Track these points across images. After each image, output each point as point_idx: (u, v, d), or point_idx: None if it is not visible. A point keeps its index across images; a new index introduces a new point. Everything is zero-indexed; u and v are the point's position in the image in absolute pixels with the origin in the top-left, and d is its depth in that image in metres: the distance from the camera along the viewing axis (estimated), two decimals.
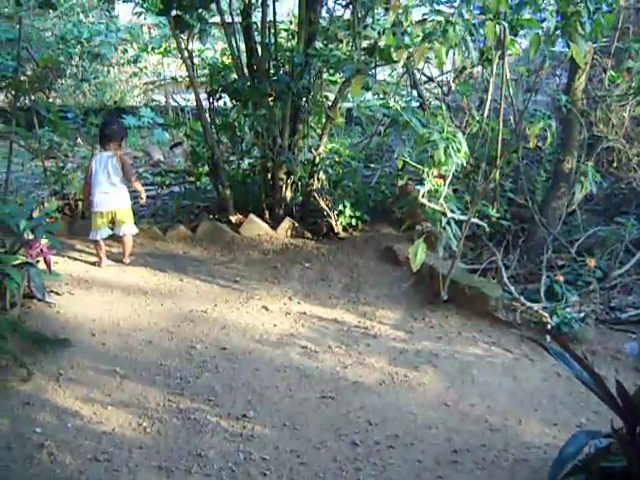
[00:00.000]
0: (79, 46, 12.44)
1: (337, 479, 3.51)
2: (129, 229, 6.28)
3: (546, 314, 5.00)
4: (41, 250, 5.12)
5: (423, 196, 4.97)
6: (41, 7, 6.54)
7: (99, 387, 4.33)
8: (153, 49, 10.25)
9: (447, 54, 4.81)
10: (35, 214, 5.27)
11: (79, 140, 8.46)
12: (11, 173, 6.96)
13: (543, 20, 5.09)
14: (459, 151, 4.75)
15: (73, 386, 4.36)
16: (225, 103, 7.36)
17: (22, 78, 7.44)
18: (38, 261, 5.10)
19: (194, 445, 3.76)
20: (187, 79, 7.60)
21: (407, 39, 5.40)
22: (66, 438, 3.84)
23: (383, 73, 7.44)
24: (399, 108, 5.68)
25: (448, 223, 5.18)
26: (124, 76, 13.30)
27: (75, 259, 6.29)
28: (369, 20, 6.23)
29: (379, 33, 5.92)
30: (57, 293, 5.53)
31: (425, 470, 3.58)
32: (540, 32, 4.94)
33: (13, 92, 7.28)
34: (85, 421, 4.00)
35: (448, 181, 4.99)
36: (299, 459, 3.66)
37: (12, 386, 4.34)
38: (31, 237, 5.06)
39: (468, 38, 4.85)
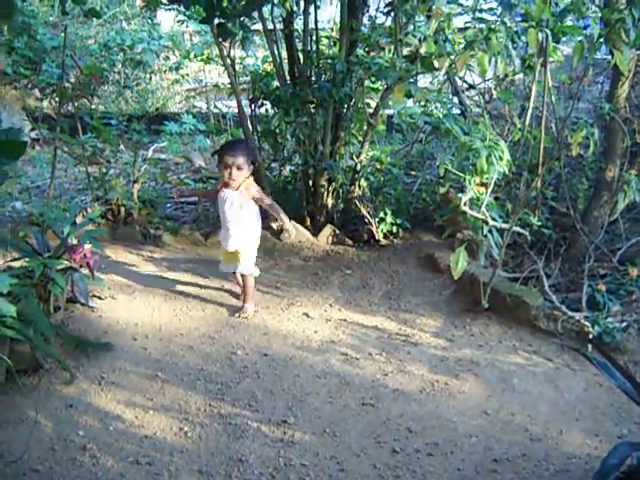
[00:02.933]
0: (122, 53, 12.57)
1: None
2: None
3: (588, 323, 4.96)
4: (84, 255, 5.17)
5: (465, 204, 4.96)
6: (86, 16, 6.59)
7: (141, 391, 4.38)
8: (195, 56, 10.29)
9: (489, 62, 4.81)
10: (78, 220, 5.31)
11: (122, 146, 8.52)
12: (55, 179, 7.03)
13: (586, 27, 5.07)
14: (501, 159, 4.73)
15: (115, 390, 4.41)
16: (267, 110, 7.39)
17: (66, 85, 7.51)
18: (81, 266, 5.15)
19: (234, 450, 3.79)
20: (229, 86, 7.66)
21: (449, 47, 5.40)
22: (108, 441, 3.89)
23: (424, 80, 7.44)
24: (441, 115, 5.68)
25: (490, 231, 5.16)
26: (165, 83, 13.38)
27: (117, 264, 6.33)
28: (410, 28, 6.23)
29: (420, 41, 5.92)
30: (100, 298, 5.58)
31: (464, 479, 3.58)
32: (583, 39, 4.92)
33: (58, 99, 7.35)
34: (127, 424, 4.05)
35: (490, 189, 4.98)
36: (339, 466, 3.67)
37: (55, 389, 4.40)
38: (75, 242, 5.11)
39: (510, 46, 4.85)
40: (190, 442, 3.88)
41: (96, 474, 3.62)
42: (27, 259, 4.84)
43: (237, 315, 5.43)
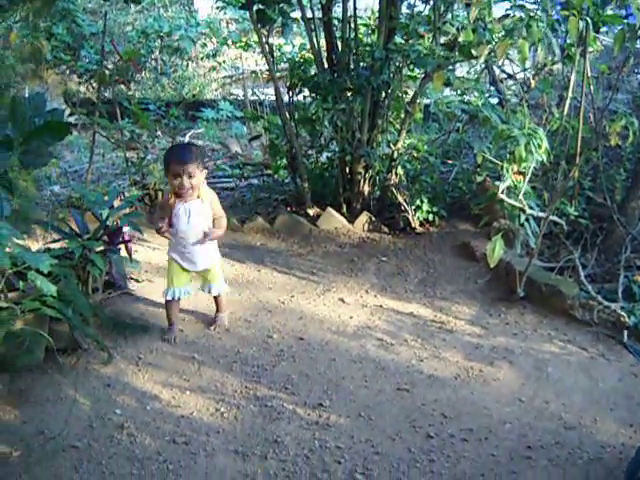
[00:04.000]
0: (159, 40, 12.62)
1: (411, 470, 3.53)
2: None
3: (624, 314, 4.95)
4: (123, 238, 5.23)
5: (502, 192, 4.96)
6: (126, 2, 6.65)
7: (177, 372, 4.43)
8: (233, 43, 10.32)
9: (530, 50, 4.79)
10: (116, 203, 5.36)
11: (159, 132, 8.57)
12: (93, 163, 7.09)
13: (627, 16, 5.04)
14: (540, 147, 4.72)
15: (152, 370, 4.48)
16: (305, 97, 7.41)
17: (105, 71, 7.57)
18: (119, 249, 5.20)
19: (270, 432, 3.83)
20: (266, 73, 7.68)
21: (488, 35, 5.39)
22: (145, 420, 3.94)
23: (461, 70, 7.42)
24: (479, 104, 5.67)
25: (527, 220, 5.16)
26: (202, 70, 13.42)
27: (154, 248, 6.39)
28: (449, 16, 6.23)
29: (458, 29, 5.92)
30: (137, 280, 5.64)
31: (498, 465, 3.58)
32: (624, 28, 4.89)
33: (96, 84, 7.41)
34: (164, 404, 4.10)
35: (527, 178, 4.97)
36: (374, 449, 3.69)
37: (93, 368, 4.48)
38: (113, 225, 5.16)
39: (550, 34, 4.83)
40: (226, 423, 3.92)
41: (133, 452, 3.67)
42: (67, 241, 4.89)
43: (212, 328, 5.03)
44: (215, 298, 5.13)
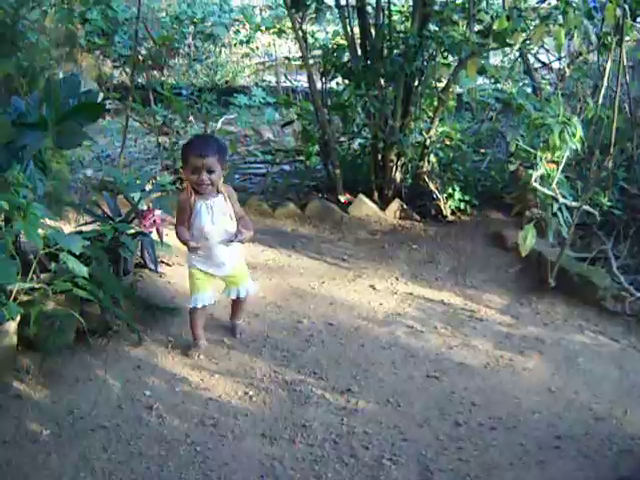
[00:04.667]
0: (192, 26, 12.64)
1: (439, 457, 3.53)
2: None
3: None
4: (154, 221, 5.24)
5: (535, 181, 4.93)
6: None
7: (207, 355, 4.45)
8: (267, 29, 10.31)
9: (566, 37, 4.76)
10: (148, 187, 5.38)
11: (191, 118, 8.59)
12: (125, 148, 7.12)
13: None
14: (574, 136, 4.69)
15: (182, 353, 4.50)
16: (338, 84, 7.40)
17: (139, 56, 7.60)
18: (151, 232, 5.22)
19: (298, 416, 3.84)
20: (299, 60, 7.68)
21: (522, 22, 5.36)
22: (174, 402, 3.97)
23: (494, 58, 7.38)
24: (513, 92, 5.64)
25: (559, 209, 5.13)
26: (235, 56, 13.43)
27: None
28: (483, 3, 6.20)
29: (492, 17, 5.88)
30: (167, 264, 5.66)
31: (527, 454, 3.57)
32: None
33: (130, 69, 7.43)
34: (193, 387, 4.12)
35: (561, 167, 4.94)
36: (402, 435, 3.69)
37: (123, 350, 4.51)
38: (145, 208, 5.18)
39: (587, 22, 4.79)
40: (255, 406, 3.93)
41: (162, 433, 3.69)
42: (99, 223, 4.92)
43: (239, 334, 4.72)
44: (234, 302, 4.73)
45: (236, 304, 4.74)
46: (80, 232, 4.80)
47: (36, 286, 4.22)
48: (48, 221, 4.11)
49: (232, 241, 4.32)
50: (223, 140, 7.37)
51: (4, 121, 2.70)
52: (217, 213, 4.31)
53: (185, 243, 4.28)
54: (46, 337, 4.22)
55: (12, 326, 4.00)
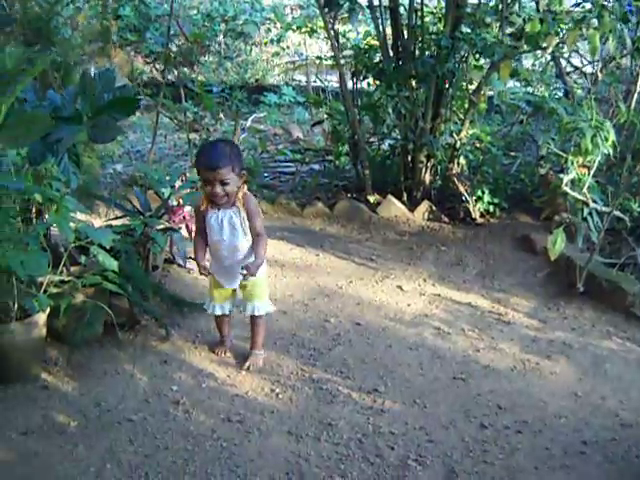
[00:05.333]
0: (224, 24, 12.68)
1: (464, 459, 3.51)
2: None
3: None
4: (184, 217, 5.27)
5: (566, 185, 4.92)
6: None
7: (233, 352, 4.46)
8: (298, 28, 10.34)
9: (600, 41, 4.74)
10: (178, 183, 5.40)
11: (221, 115, 8.62)
12: (155, 144, 7.15)
13: None
14: (607, 140, 4.67)
15: (208, 349, 4.52)
16: (369, 84, 7.41)
17: (170, 52, 7.63)
18: (180, 228, 5.24)
19: (324, 414, 3.83)
20: (329, 60, 7.69)
21: (556, 25, 5.34)
22: (201, 397, 3.98)
23: (526, 62, 7.36)
24: (546, 95, 5.62)
25: (590, 214, 5.11)
26: (265, 55, 13.47)
27: None
28: (516, 6, 6.18)
29: (524, 20, 5.87)
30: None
31: (553, 458, 3.54)
32: None
33: (162, 65, 7.46)
34: (219, 383, 4.13)
35: (592, 171, 4.92)
36: (427, 436, 3.68)
37: (151, 345, 4.53)
38: (175, 204, 5.21)
39: (622, 25, 4.77)
40: (281, 404, 3.93)
41: (188, 428, 3.70)
42: (129, 218, 4.95)
43: (246, 367, 4.29)
44: (251, 322, 4.40)
45: (253, 325, 4.39)
46: (110, 226, 4.83)
47: (66, 279, 4.24)
48: (79, 215, 4.14)
49: (244, 271, 3.93)
50: (247, 139, 7.41)
51: (43, 114, 2.71)
52: (226, 226, 4.06)
53: (196, 262, 4.19)
54: (75, 330, 4.26)
55: (42, 318, 4.04)
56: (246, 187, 4.13)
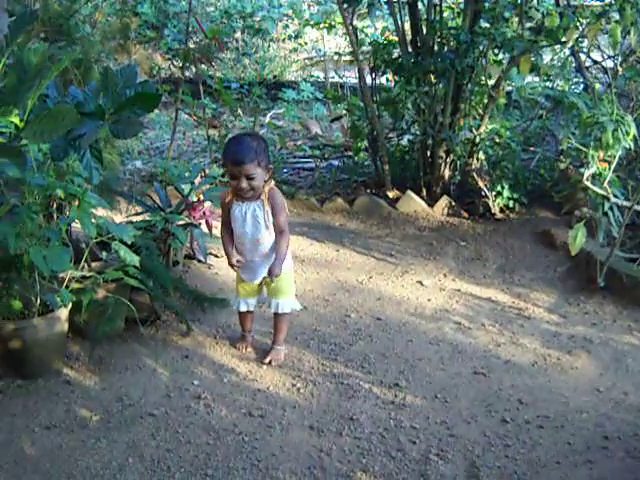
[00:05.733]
0: (241, 20, 12.69)
1: (486, 454, 3.51)
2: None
3: None
4: (204, 213, 5.28)
5: (587, 179, 4.90)
6: None
7: (255, 347, 4.47)
8: (317, 23, 10.35)
9: (621, 35, 4.72)
10: (198, 180, 5.41)
11: (239, 111, 8.63)
12: (174, 140, 7.17)
13: None
14: (628, 134, 4.65)
15: (230, 344, 4.53)
16: (387, 80, 7.41)
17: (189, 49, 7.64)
18: (200, 223, 5.26)
19: (346, 409, 3.84)
20: (349, 55, 7.69)
21: (577, 19, 5.32)
22: (222, 392, 4.00)
23: (544, 57, 7.34)
24: (566, 89, 5.60)
25: (610, 208, 5.09)
26: (283, 51, 13.48)
27: None
28: (534, 1, 6.16)
29: (543, 14, 5.85)
30: (216, 256, 5.69)
31: (574, 453, 3.53)
32: None
33: (180, 61, 7.47)
34: (241, 378, 4.15)
35: (613, 165, 4.90)
36: (449, 431, 3.68)
37: (172, 340, 4.56)
38: (195, 200, 5.22)
39: None
40: (302, 398, 3.94)
41: (210, 422, 3.72)
42: (149, 213, 4.96)
43: (267, 361, 4.30)
44: (274, 318, 4.40)
45: (276, 321, 4.39)
46: (130, 222, 4.85)
47: (87, 274, 4.25)
48: (99, 211, 4.16)
49: (269, 277, 4.03)
50: (266, 135, 7.41)
51: (69, 108, 2.72)
52: (249, 219, 4.07)
53: (227, 256, 4.23)
54: (97, 325, 4.28)
55: (64, 313, 4.06)
56: (273, 182, 4.17)
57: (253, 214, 4.06)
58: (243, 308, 4.39)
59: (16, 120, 2.59)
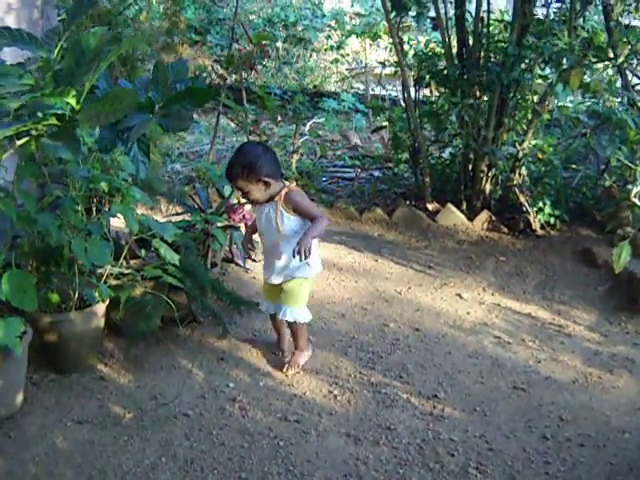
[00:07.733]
0: (284, 29, 12.71)
1: (525, 470, 3.44)
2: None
3: None
4: (243, 216, 5.25)
5: (635, 196, 4.83)
6: None
7: (290, 352, 4.41)
8: (363, 33, 10.35)
9: None
10: None
11: (279, 118, 8.62)
12: (214, 145, 7.17)
13: None
14: None
15: (266, 348, 4.50)
16: (431, 92, 7.37)
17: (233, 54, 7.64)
18: (240, 226, 5.23)
19: (383, 418, 3.78)
20: (392, 66, 7.67)
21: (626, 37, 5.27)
22: (257, 396, 3.96)
23: (588, 74, 7.29)
24: (614, 106, 5.54)
25: None
26: (324, 62, 13.48)
27: None
28: (580, 20, 6.12)
29: (588, 31, 5.80)
30: (254, 260, 5.65)
31: (617, 474, 3.46)
32: None
33: (225, 67, 7.46)
34: (277, 382, 4.11)
35: None
36: (488, 445, 3.61)
37: (208, 341, 4.54)
38: (235, 202, 5.19)
39: None
40: (339, 405, 3.89)
41: (244, 425, 3.67)
42: (190, 214, 4.95)
43: (285, 367, 4.23)
44: (288, 325, 4.34)
45: (289, 328, 4.36)
46: (170, 222, 4.83)
47: (125, 271, 4.23)
48: (140, 209, 4.14)
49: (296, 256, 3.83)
50: (306, 144, 7.38)
51: (129, 90, 2.69)
52: (264, 221, 4.08)
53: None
54: (133, 322, 4.24)
55: (101, 308, 4.03)
56: (293, 184, 4.13)
57: (267, 216, 4.05)
58: (264, 309, 4.41)
59: (72, 102, 2.55)
